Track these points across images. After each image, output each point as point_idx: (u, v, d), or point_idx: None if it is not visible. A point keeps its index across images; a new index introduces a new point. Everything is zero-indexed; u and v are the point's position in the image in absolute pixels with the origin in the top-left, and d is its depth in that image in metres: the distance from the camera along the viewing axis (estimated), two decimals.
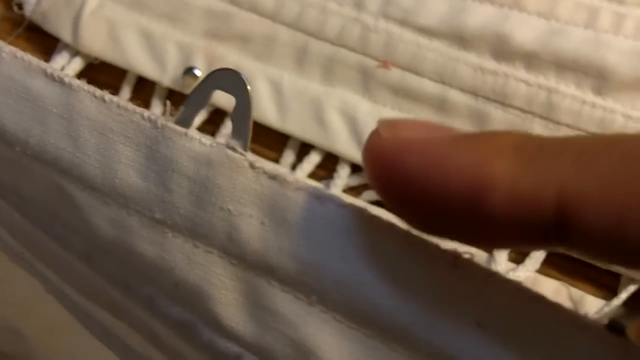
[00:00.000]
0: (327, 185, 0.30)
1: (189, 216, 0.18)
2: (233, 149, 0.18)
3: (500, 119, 0.29)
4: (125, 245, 0.19)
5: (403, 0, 0.30)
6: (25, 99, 0.20)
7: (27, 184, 0.21)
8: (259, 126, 0.30)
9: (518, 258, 0.28)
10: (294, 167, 0.30)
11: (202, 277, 0.18)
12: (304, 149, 0.30)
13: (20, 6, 0.33)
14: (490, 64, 0.29)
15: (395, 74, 0.30)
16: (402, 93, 0.30)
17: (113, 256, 0.20)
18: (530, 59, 0.28)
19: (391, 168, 0.15)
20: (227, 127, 0.30)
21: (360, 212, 0.17)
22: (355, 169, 0.30)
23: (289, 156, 0.30)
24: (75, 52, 0.32)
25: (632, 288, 0.26)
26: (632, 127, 0.27)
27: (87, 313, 0.26)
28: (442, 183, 0.15)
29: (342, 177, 0.30)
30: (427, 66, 0.29)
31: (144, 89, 0.32)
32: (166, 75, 0.31)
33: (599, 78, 0.28)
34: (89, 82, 0.20)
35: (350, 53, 0.30)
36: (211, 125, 0.31)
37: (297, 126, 0.30)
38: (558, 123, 0.28)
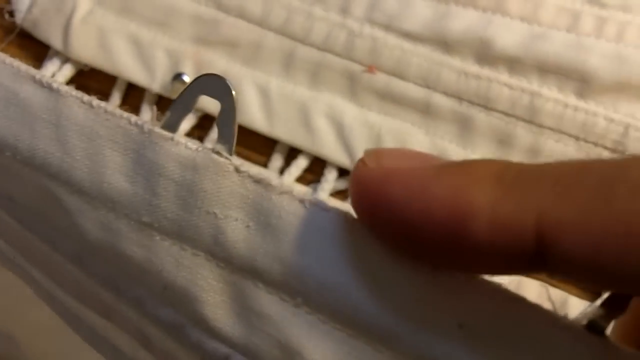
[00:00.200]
0: (315, 189, 0.30)
1: (176, 220, 0.18)
2: (218, 153, 0.18)
3: (484, 123, 0.29)
4: (114, 248, 0.19)
5: (388, 6, 0.30)
6: (14, 104, 0.20)
7: (18, 188, 0.21)
8: (247, 131, 0.30)
9: None
10: (282, 171, 0.30)
11: (189, 279, 0.18)
12: (292, 153, 0.31)
13: (11, 14, 0.33)
14: (473, 68, 0.29)
15: (380, 79, 0.30)
16: (387, 97, 0.30)
17: (103, 259, 0.20)
18: (513, 63, 0.29)
19: (375, 198, 0.16)
20: (215, 132, 0.30)
21: (344, 216, 0.17)
22: (342, 172, 0.30)
23: (277, 160, 0.31)
24: (66, 59, 0.32)
25: None
26: (614, 130, 0.28)
27: (77, 316, 0.26)
28: (425, 213, 0.15)
29: (330, 180, 0.30)
30: (412, 71, 0.29)
31: (133, 95, 0.32)
32: (155, 81, 0.31)
33: (581, 81, 0.28)
34: (80, 89, 0.20)
35: (336, 58, 0.30)
36: (200, 130, 0.31)
37: (284, 131, 0.30)
38: (541, 126, 0.28)
